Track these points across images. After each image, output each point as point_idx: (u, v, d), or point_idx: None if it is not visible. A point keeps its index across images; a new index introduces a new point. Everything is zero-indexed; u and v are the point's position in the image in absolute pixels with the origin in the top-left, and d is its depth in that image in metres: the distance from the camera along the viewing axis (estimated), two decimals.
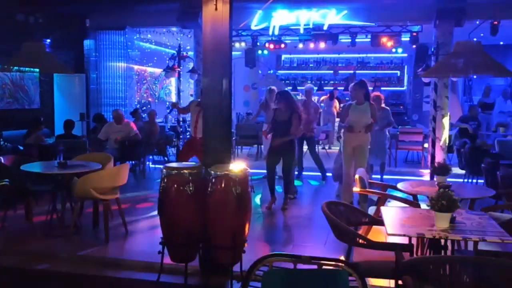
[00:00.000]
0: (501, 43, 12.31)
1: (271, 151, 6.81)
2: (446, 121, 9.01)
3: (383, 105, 8.17)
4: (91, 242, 5.31)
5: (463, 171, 8.27)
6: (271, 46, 10.66)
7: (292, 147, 6.70)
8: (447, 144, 9.19)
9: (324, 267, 2.51)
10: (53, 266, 4.62)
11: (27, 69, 8.83)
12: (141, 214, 6.48)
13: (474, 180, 7.92)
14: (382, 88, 13.66)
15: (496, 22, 8.75)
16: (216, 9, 4.24)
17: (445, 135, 9.06)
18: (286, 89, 8.92)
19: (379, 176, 8.21)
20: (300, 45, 10.38)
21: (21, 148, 7.49)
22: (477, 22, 9.04)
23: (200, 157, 7.12)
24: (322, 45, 10.24)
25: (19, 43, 6.39)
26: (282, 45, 10.67)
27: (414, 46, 10.27)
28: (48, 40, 9.73)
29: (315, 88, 10.80)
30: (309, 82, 15.12)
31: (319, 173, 8.59)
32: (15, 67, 8.26)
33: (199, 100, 7.21)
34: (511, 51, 13.32)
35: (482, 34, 9.33)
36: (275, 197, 6.79)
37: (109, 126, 8.45)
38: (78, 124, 9.44)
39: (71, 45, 10.06)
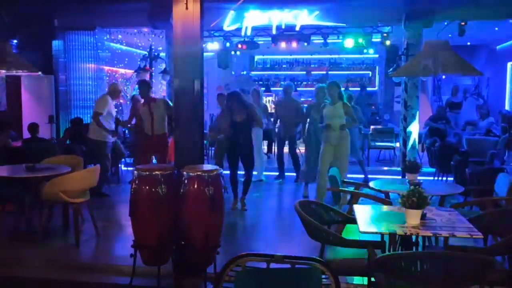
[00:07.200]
0: (468, 43, 12.61)
1: (229, 151, 6.76)
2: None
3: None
4: (61, 246, 5.20)
5: (433, 169, 8.43)
6: (239, 46, 10.64)
7: (250, 146, 6.66)
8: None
9: (297, 266, 2.50)
10: (22, 272, 4.49)
11: None
12: (113, 217, 6.37)
13: (444, 178, 8.08)
14: (354, 89, 13.76)
15: (463, 23, 8.95)
16: (186, 8, 4.20)
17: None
18: (259, 88, 8.94)
19: (362, 176, 8.27)
20: (274, 45, 10.40)
21: None
22: (445, 23, 9.23)
23: (160, 157, 7.00)
24: (294, 45, 10.26)
25: None
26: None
27: (385, 43, 10.40)
28: (15, 41, 9.48)
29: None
30: (282, 82, 15.16)
31: (294, 173, 8.61)
32: None
33: (142, 100, 7.15)
34: (478, 51, 13.66)
35: (450, 35, 9.52)
36: (238, 197, 6.76)
37: None
38: (47, 127, 9.21)
39: (39, 46, 9.79)
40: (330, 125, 6.49)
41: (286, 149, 8.69)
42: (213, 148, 11.20)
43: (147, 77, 9.98)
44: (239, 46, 10.52)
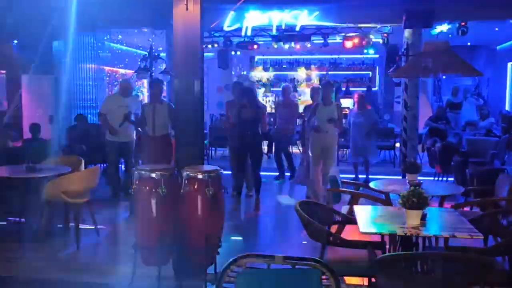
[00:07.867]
0: (469, 43, 12.60)
1: (237, 150, 6.74)
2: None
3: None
4: (61, 247, 5.19)
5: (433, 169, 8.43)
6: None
7: (259, 144, 6.65)
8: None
9: (297, 266, 2.50)
10: (22, 272, 4.49)
11: None
12: (113, 218, 6.36)
13: (444, 178, 8.08)
14: (354, 89, 13.76)
15: (464, 23, 8.95)
16: (187, 9, 4.21)
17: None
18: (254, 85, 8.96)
19: (364, 176, 8.37)
20: (275, 45, 10.42)
21: None
22: (445, 23, 9.23)
23: (164, 158, 6.92)
24: (294, 45, 10.28)
25: None
26: (255, 46, 10.67)
27: (383, 43, 10.42)
28: (15, 41, 9.47)
29: None
30: (282, 83, 15.15)
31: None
32: None
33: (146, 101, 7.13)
34: (479, 52, 13.65)
35: (450, 35, 9.53)
36: (240, 199, 6.75)
37: None
38: (47, 127, 9.19)
39: (39, 46, 9.79)
40: (320, 127, 6.53)
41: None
42: (213, 148, 11.24)
43: (147, 77, 9.96)
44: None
